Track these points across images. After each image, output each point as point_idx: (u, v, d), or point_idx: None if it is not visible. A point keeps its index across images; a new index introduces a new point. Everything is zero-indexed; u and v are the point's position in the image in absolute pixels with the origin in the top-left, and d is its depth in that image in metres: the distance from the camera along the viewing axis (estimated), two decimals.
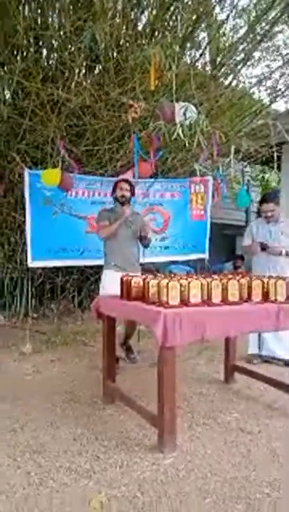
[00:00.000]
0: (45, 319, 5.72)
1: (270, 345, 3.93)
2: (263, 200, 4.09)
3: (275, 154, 4.63)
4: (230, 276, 2.79)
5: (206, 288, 2.50)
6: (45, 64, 5.42)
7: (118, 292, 2.85)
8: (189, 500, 1.87)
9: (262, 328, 2.78)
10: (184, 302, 2.41)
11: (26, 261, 4.59)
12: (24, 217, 4.59)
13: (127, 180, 3.95)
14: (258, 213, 10.68)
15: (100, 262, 4.39)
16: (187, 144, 3.69)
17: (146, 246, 4.03)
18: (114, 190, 3.91)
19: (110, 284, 3.42)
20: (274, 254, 3.85)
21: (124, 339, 4.06)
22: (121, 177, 4.47)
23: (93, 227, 4.79)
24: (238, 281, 2.59)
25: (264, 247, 3.87)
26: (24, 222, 4.62)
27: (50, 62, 5.46)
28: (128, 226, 3.80)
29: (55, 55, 5.35)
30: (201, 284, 2.47)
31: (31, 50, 5.06)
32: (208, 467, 2.15)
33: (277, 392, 3.08)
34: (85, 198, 4.83)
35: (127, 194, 3.83)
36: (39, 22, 5.12)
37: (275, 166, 7.05)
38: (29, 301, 5.50)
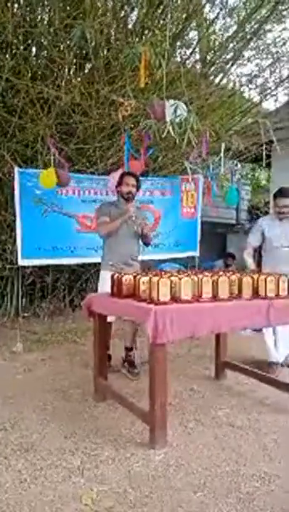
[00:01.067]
0: (35, 318, 5.69)
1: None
2: (279, 194, 3.70)
3: (265, 152, 4.67)
4: (220, 273, 2.81)
5: (197, 285, 2.51)
6: (35, 61, 5.38)
7: None
8: (180, 495, 1.88)
9: (253, 325, 2.80)
10: (175, 299, 2.42)
11: (16, 259, 4.57)
12: (14, 215, 4.56)
13: (133, 175, 3.72)
14: (250, 212, 10.77)
15: (91, 260, 4.40)
16: (178, 142, 3.70)
17: (147, 244, 3.80)
18: (119, 184, 3.66)
19: (109, 285, 3.11)
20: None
21: (127, 350, 3.75)
22: (112, 176, 4.43)
23: (84, 226, 4.79)
24: (229, 277, 2.61)
25: None
26: (14, 220, 4.59)
27: (40, 60, 5.43)
28: (130, 224, 3.56)
29: (45, 52, 5.32)
30: (192, 280, 2.49)
31: (20, 47, 5.02)
32: (199, 462, 2.17)
33: (268, 388, 3.11)
34: (75, 197, 4.82)
35: (134, 190, 3.62)
36: (28, 19, 5.08)
37: (265, 163, 7.12)
38: (19, 300, 5.47)
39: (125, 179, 3.63)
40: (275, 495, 1.89)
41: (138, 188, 3.72)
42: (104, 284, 3.47)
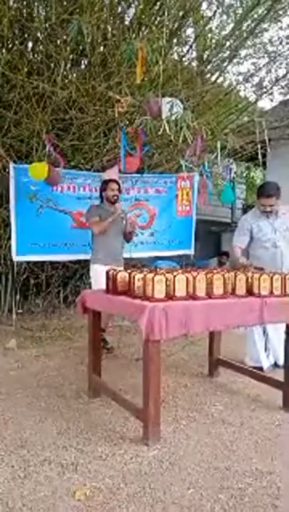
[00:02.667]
0: (30, 315, 5.68)
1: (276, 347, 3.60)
2: (263, 194, 3.52)
3: (260, 151, 4.67)
4: (215, 270, 2.82)
5: (191, 282, 2.52)
6: (31, 56, 5.35)
7: None
8: (173, 491, 1.89)
9: (247, 323, 2.81)
10: (169, 296, 2.42)
11: (11, 255, 4.55)
12: (9, 211, 4.54)
13: (115, 181, 4.21)
14: (244, 211, 10.83)
15: (86, 256, 4.40)
16: (173, 140, 3.70)
17: (128, 241, 4.33)
18: (104, 189, 4.13)
19: (103, 277, 3.21)
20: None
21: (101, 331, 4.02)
22: (107, 173, 4.53)
23: (79, 223, 4.78)
24: (223, 275, 2.62)
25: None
26: (9, 216, 4.57)
27: (36, 55, 5.40)
28: (118, 223, 4.06)
29: (41, 47, 5.29)
30: (187, 278, 2.49)
31: (16, 42, 4.99)
32: (192, 459, 2.18)
33: (260, 386, 3.13)
34: (71, 193, 4.81)
35: (118, 193, 4.14)
36: (24, 13, 5.04)
37: (260, 162, 7.14)
38: (14, 297, 5.46)
39: (110, 185, 4.12)
40: (267, 491, 1.91)
41: (120, 191, 4.24)
42: (97, 276, 3.82)
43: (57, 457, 2.18)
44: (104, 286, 2.89)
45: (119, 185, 4.20)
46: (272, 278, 2.73)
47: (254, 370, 3.28)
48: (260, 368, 3.54)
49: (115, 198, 4.09)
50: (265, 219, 3.62)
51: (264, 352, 3.64)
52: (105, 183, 4.16)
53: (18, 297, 5.66)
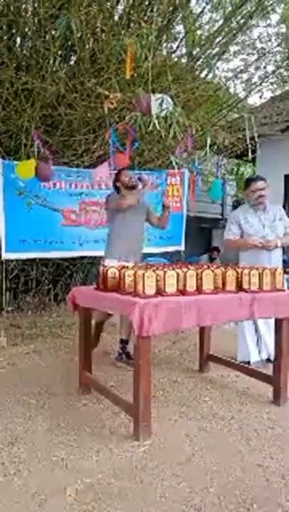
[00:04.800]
0: (19, 312, 5.65)
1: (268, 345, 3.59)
2: (253, 178, 3.63)
3: (250, 148, 4.69)
4: (205, 266, 2.83)
5: (182, 278, 2.52)
6: (19, 52, 5.29)
7: None
8: (164, 485, 1.90)
9: (237, 318, 2.83)
10: (160, 292, 2.43)
11: (0, 253, 4.52)
12: None
13: (127, 169, 3.92)
14: (235, 207, 10.87)
15: (76, 253, 4.38)
16: (163, 136, 3.69)
17: (164, 227, 4.00)
18: (118, 179, 3.75)
19: None
20: (269, 248, 3.50)
21: (124, 343, 3.74)
22: (98, 169, 4.46)
23: (69, 220, 4.76)
24: (213, 271, 2.63)
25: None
26: None
27: (24, 51, 5.34)
28: (138, 211, 3.69)
29: (29, 43, 5.24)
30: (177, 274, 2.50)
31: (4, 37, 4.93)
32: (183, 453, 2.19)
33: (250, 380, 3.16)
34: (61, 190, 4.78)
35: (134, 178, 3.74)
36: (12, 8, 4.98)
37: (250, 159, 7.17)
38: (3, 294, 5.41)
39: (123, 173, 3.73)
40: (257, 484, 1.93)
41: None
42: None
43: (48, 454, 2.17)
44: None
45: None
46: (262, 273, 2.75)
47: (244, 365, 3.31)
48: (249, 363, 3.58)
49: (133, 181, 3.66)
50: (253, 212, 3.64)
51: (255, 347, 3.66)
52: (118, 173, 3.80)
53: (7, 295, 5.62)
